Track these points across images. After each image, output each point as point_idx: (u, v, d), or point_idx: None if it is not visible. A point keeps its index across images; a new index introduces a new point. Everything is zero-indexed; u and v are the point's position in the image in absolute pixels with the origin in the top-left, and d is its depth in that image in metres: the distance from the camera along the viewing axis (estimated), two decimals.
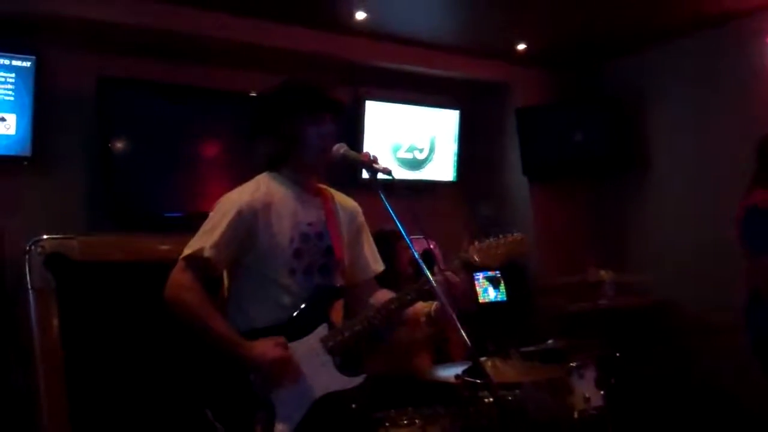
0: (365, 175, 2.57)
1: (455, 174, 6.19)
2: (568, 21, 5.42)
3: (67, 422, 3.85)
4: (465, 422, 3.21)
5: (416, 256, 2.40)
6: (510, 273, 6.01)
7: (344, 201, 2.85)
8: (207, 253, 2.47)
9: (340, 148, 2.61)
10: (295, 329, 2.55)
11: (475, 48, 5.88)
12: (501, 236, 2.73)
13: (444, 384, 3.32)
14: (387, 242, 3.83)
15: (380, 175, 2.52)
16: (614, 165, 6.25)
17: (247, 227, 2.54)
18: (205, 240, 2.50)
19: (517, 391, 3.32)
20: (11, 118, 4.13)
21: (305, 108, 2.63)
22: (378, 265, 2.88)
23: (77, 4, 4.17)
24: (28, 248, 3.96)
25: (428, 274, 2.36)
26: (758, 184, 3.91)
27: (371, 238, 2.89)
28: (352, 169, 2.67)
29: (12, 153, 4.15)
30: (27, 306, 3.92)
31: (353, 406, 2.64)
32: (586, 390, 3.63)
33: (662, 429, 4.89)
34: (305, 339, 2.55)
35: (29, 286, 3.93)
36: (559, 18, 5.35)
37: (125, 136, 4.53)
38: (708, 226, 5.36)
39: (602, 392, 3.70)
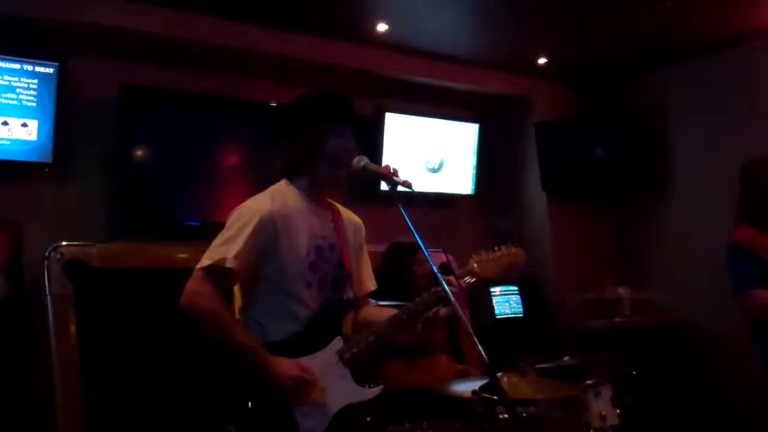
0: (384, 187, 2.56)
1: (474, 187, 6.18)
2: (590, 36, 5.41)
3: (83, 428, 3.86)
4: None
5: (434, 269, 2.39)
6: (527, 288, 5.99)
7: (350, 216, 2.84)
8: (230, 264, 2.43)
9: (361, 160, 2.60)
10: (311, 342, 2.54)
11: (496, 62, 5.88)
12: (498, 249, 2.80)
13: (459, 399, 3.30)
14: (402, 254, 3.84)
15: (400, 188, 2.51)
16: (634, 181, 6.22)
17: (268, 238, 2.51)
18: (225, 250, 2.46)
19: (532, 408, 3.28)
20: (33, 124, 4.16)
21: (329, 119, 2.62)
22: (371, 284, 2.89)
23: (101, 11, 4.22)
24: (47, 254, 3.99)
25: (446, 286, 2.36)
26: (743, 216, 3.80)
27: (368, 256, 2.90)
28: (370, 181, 2.67)
29: (33, 159, 4.18)
30: (45, 311, 3.94)
31: (368, 419, 2.63)
32: (602, 408, 3.58)
33: None
34: (322, 352, 2.55)
35: (47, 292, 3.96)
36: (581, 33, 5.34)
37: (146, 144, 4.56)
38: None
39: (618, 411, 3.65)
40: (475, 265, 2.75)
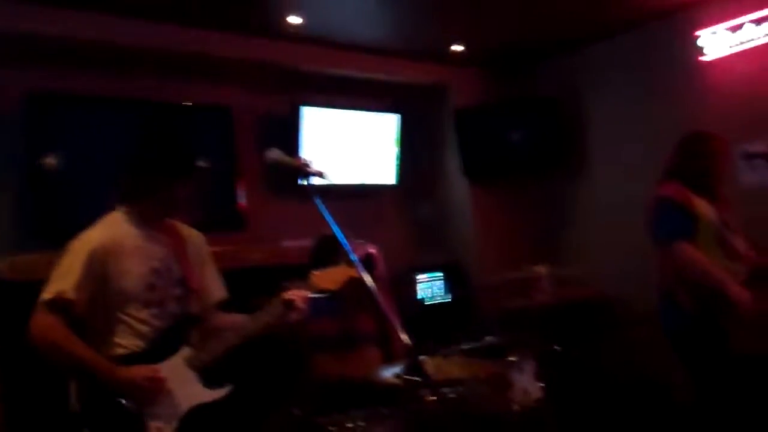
0: (301, 180, 2.57)
1: (397, 177, 6.21)
2: (504, 22, 5.47)
3: None
4: (408, 421, 3.22)
5: (355, 260, 2.43)
6: (451, 273, 6.07)
7: (190, 233, 2.99)
8: (70, 295, 2.57)
9: (272, 153, 2.62)
10: (158, 354, 2.70)
11: (412, 51, 5.92)
12: (338, 263, 2.91)
13: (384, 385, 3.33)
14: (329, 247, 3.83)
15: (315, 179, 2.53)
16: (551, 163, 6.35)
17: (100, 266, 2.64)
18: (63, 283, 2.59)
19: (457, 387, 3.34)
20: None
21: (173, 174, 2.76)
22: (220, 293, 3.05)
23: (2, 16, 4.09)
24: None
25: (370, 278, 2.41)
26: (674, 176, 3.99)
27: (215, 267, 3.06)
28: (292, 176, 2.69)
29: None
30: None
31: (295, 411, 2.71)
32: (526, 383, 3.68)
33: (603, 419, 4.98)
34: (169, 360, 2.70)
35: None
36: (495, 19, 5.39)
37: (54, 151, 4.42)
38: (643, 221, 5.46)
39: (542, 385, 3.74)
40: (316, 279, 2.89)
